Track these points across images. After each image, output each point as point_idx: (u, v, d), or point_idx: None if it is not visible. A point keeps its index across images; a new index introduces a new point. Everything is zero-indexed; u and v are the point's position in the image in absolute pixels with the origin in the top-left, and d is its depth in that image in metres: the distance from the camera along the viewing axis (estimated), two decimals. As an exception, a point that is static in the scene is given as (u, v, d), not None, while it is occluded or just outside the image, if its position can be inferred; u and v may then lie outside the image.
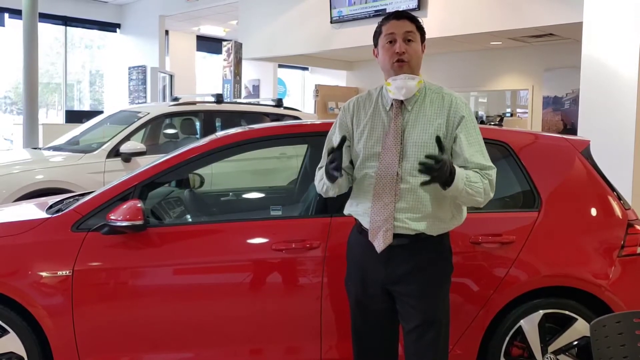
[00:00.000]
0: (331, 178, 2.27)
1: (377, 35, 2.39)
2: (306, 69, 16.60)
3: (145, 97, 13.31)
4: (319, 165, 2.49)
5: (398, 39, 2.29)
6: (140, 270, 2.74)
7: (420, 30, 2.35)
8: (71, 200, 3.24)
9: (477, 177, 2.21)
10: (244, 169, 4.44)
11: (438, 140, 2.11)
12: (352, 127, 2.40)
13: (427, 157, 2.06)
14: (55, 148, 6.31)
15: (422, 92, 2.33)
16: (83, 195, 3.29)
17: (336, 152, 2.21)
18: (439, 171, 2.04)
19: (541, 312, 2.78)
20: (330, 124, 2.53)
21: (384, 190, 2.26)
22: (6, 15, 12.02)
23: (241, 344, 2.76)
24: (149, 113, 6.25)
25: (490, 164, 2.29)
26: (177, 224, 3.13)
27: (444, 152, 2.11)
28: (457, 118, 2.28)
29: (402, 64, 2.29)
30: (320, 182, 2.39)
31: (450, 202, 2.31)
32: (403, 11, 2.40)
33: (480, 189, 2.20)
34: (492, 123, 11.23)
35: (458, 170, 2.14)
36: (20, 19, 8.90)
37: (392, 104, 2.32)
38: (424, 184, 2.10)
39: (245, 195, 4.09)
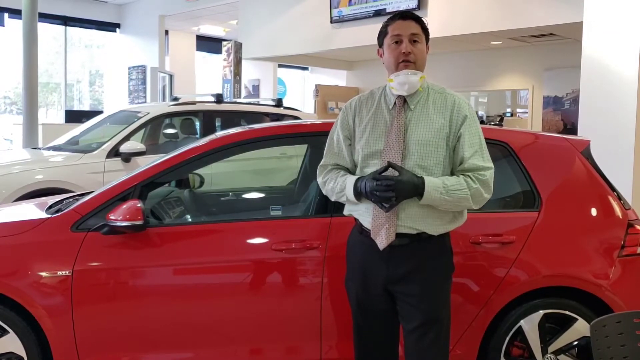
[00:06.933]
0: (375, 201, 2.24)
1: (382, 35, 2.39)
2: (306, 69, 16.60)
3: (145, 97, 13.30)
4: (321, 164, 2.47)
5: (404, 40, 2.30)
6: (140, 270, 2.74)
7: (425, 31, 2.37)
8: (71, 200, 3.24)
9: (461, 183, 2.21)
10: (244, 169, 4.44)
11: (389, 164, 2.19)
12: (353, 126, 2.40)
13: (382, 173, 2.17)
14: (55, 148, 6.31)
15: (425, 92, 2.34)
16: (83, 195, 3.28)
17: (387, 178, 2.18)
18: (394, 188, 2.13)
19: (541, 312, 2.78)
20: (330, 124, 2.53)
21: None
22: (6, 15, 12.01)
23: (241, 344, 2.76)
24: (148, 113, 6.25)
25: (488, 164, 2.29)
26: (177, 224, 3.13)
27: (401, 173, 2.17)
28: (460, 117, 2.28)
29: (409, 65, 2.29)
30: (339, 194, 2.35)
31: None
32: (409, 12, 2.41)
33: (464, 195, 2.20)
34: (493, 123, 11.20)
35: (430, 180, 2.18)
36: (20, 19, 8.89)
37: (395, 102, 2.32)
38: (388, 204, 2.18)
39: (245, 196, 4.09)
